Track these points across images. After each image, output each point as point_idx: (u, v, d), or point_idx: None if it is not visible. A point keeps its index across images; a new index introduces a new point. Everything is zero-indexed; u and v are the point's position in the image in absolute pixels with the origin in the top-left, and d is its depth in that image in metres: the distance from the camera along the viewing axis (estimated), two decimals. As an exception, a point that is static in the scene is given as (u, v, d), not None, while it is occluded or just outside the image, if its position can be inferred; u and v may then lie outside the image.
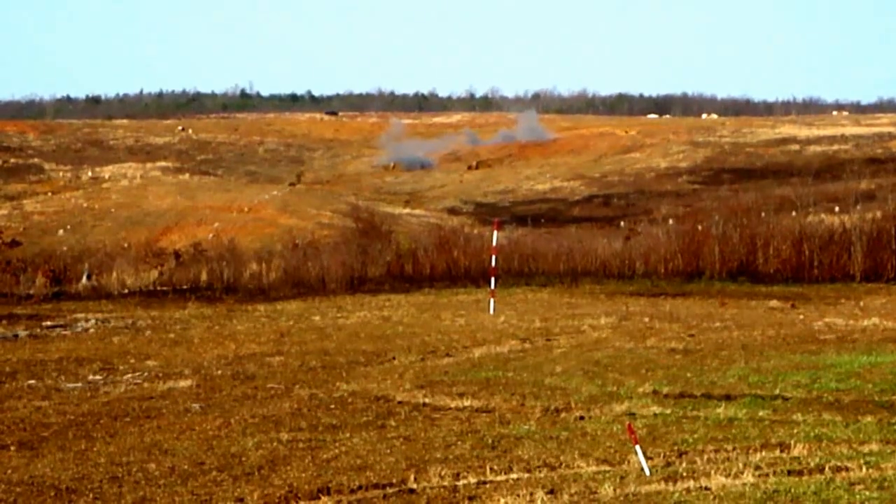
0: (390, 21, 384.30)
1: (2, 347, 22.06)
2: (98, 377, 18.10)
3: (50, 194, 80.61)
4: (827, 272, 34.37)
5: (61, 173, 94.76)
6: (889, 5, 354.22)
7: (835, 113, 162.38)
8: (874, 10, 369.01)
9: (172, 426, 14.07)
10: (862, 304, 28.01)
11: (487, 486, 10.87)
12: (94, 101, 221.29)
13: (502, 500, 10.26)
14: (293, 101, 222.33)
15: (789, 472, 10.91)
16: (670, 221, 43.75)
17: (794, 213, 42.01)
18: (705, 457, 11.67)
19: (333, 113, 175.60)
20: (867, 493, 10.08)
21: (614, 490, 10.44)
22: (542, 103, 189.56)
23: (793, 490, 10.22)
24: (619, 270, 36.77)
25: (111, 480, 11.45)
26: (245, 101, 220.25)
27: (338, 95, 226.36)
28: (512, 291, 32.47)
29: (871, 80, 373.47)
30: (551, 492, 10.49)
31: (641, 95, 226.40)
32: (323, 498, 10.63)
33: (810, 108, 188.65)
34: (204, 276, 35.46)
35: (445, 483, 10.99)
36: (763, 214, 41.52)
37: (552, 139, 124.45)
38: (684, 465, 11.38)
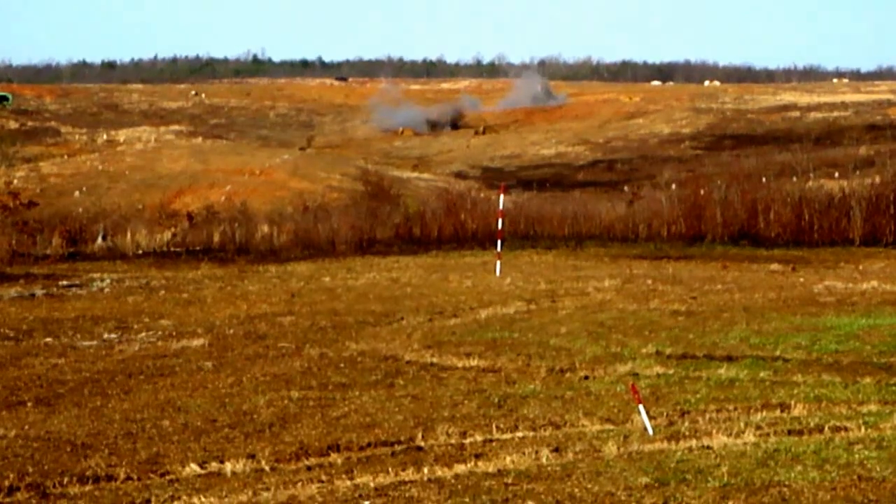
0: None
1: (19, 306, 22.17)
2: (113, 335, 18.26)
3: (66, 157, 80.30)
4: (827, 236, 34.38)
5: (77, 136, 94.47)
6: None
7: (835, 80, 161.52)
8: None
9: (186, 384, 14.21)
10: (861, 267, 28.05)
11: (494, 444, 10.95)
12: (110, 66, 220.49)
13: (508, 458, 10.29)
14: (304, 67, 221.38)
15: (789, 432, 10.99)
16: (673, 186, 43.72)
17: (794, 179, 42.02)
18: (707, 416, 11.74)
19: (343, 79, 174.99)
20: (866, 452, 10.18)
21: (618, 448, 10.51)
22: (548, 70, 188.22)
23: (793, 449, 10.30)
24: (622, 234, 36.79)
25: (125, 436, 11.58)
26: (257, 67, 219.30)
27: (347, 61, 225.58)
28: (518, 254, 32.46)
29: (871, 49, 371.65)
30: (556, 450, 10.56)
31: (645, 63, 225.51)
32: (332, 455, 10.69)
33: (811, 76, 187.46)
34: (216, 238, 35.45)
35: (452, 441, 11.08)
36: (764, 180, 41.55)
37: (558, 104, 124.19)
38: (686, 424, 11.45)
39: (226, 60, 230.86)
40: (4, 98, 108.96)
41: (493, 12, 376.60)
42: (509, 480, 9.71)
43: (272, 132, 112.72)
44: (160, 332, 18.52)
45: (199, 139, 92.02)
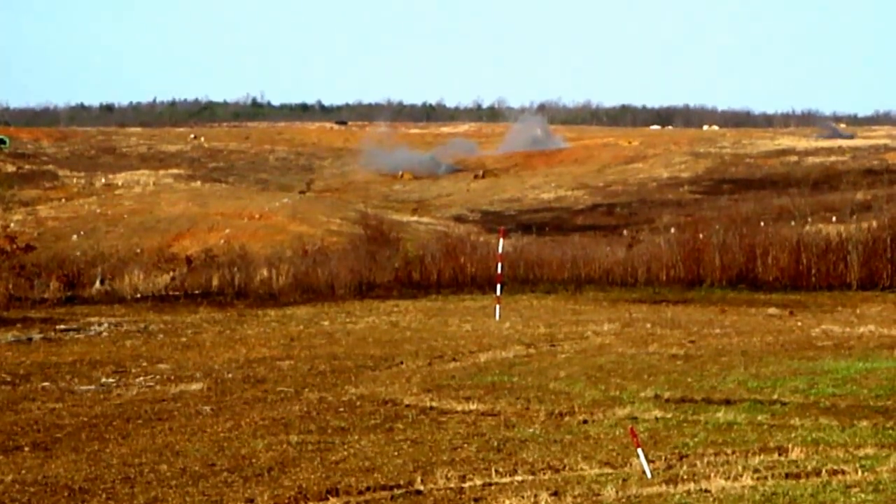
0: (399, 32, 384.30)
1: (16, 350, 22.14)
2: (111, 380, 18.25)
3: (64, 200, 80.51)
4: (824, 280, 34.41)
5: (75, 180, 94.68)
6: (886, 20, 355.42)
7: (832, 125, 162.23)
8: (872, 24, 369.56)
9: (184, 428, 14.18)
10: (858, 311, 28.08)
11: (493, 487, 10.94)
12: (108, 109, 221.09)
13: (507, 502, 10.32)
14: (303, 111, 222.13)
15: (787, 476, 10.97)
16: (672, 230, 43.75)
17: (792, 223, 42.07)
18: (705, 460, 11.74)
19: (343, 122, 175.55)
20: (863, 495, 10.17)
21: (617, 492, 10.51)
22: (548, 114, 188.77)
23: (790, 493, 10.29)
24: (621, 278, 36.79)
25: (123, 481, 11.53)
26: (256, 110, 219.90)
27: (347, 105, 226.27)
28: (517, 298, 32.49)
29: (869, 94, 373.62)
30: (555, 494, 10.55)
31: (644, 107, 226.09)
32: (331, 499, 10.69)
33: (809, 120, 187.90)
34: (215, 282, 35.39)
35: (451, 485, 11.07)
36: (762, 224, 41.67)
37: (558, 148, 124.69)
38: (685, 468, 11.44)
39: (225, 104, 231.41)
40: (2, 141, 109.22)
41: (492, 56, 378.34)
42: (508, 524, 9.73)
43: (271, 176, 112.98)
44: (158, 377, 18.51)
45: (198, 183, 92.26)
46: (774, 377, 16.87)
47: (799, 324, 25.11)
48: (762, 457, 11.87)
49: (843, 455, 11.87)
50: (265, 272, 36.59)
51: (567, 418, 14.23)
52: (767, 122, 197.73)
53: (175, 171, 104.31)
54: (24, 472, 12.06)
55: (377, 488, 11.04)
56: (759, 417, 13.89)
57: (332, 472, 11.71)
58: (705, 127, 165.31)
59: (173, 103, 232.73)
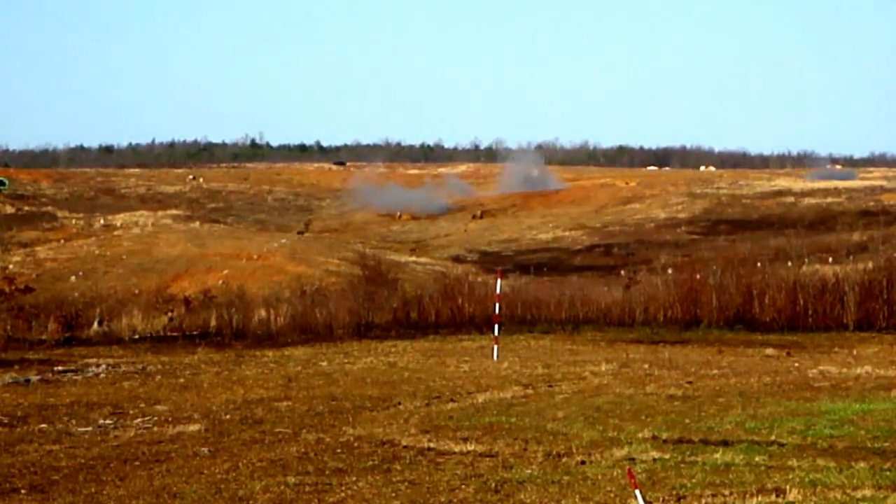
0: (397, 74, 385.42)
1: (14, 392, 22.05)
2: (108, 421, 18.18)
3: (62, 241, 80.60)
4: (821, 321, 34.36)
5: (74, 221, 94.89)
6: (882, 62, 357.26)
7: (828, 166, 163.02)
8: (868, 66, 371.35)
9: (181, 470, 14.15)
10: (855, 352, 28.01)
11: (490, 528, 10.98)
12: (107, 151, 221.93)
13: (504, 542, 10.40)
14: (302, 152, 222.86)
15: (785, 517, 10.96)
16: (669, 271, 43.66)
17: (789, 264, 42.01)
18: (703, 501, 11.75)
19: (341, 163, 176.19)
20: (860, 537, 10.21)
21: (614, 533, 10.58)
22: (545, 154, 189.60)
23: (788, 534, 10.34)
24: (619, 318, 36.75)
25: (122, 523, 11.55)
26: (255, 151, 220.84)
27: (346, 146, 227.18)
28: (515, 338, 32.44)
29: (865, 135, 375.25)
30: (552, 534, 10.63)
31: (641, 148, 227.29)
32: (329, 540, 10.75)
33: (805, 162, 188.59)
34: (213, 322, 35.30)
35: (449, 526, 11.09)
36: (759, 264, 41.62)
37: (555, 189, 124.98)
38: (682, 509, 11.39)
39: (224, 145, 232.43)
40: (1, 183, 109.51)
41: (490, 97, 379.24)
42: (505, 566, 9.72)
43: (270, 216, 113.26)
44: (156, 418, 18.45)
45: (197, 223, 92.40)
46: (772, 418, 16.86)
47: (796, 364, 25.09)
48: (760, 498, 11.87)
49: (840, 497, 11.88)
50: (263, 313, 36.56)
51: (565, 459, 14.21)
52: (764, 163, 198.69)
53: (174, 211, 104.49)
54: (21, 514, 12.02)
55: (375, 530, 10.99)
56: (757, 458, 13.89)
57: (329, 514, 11.67)
58: (702, 168, 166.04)
59: (172, 144, 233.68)
